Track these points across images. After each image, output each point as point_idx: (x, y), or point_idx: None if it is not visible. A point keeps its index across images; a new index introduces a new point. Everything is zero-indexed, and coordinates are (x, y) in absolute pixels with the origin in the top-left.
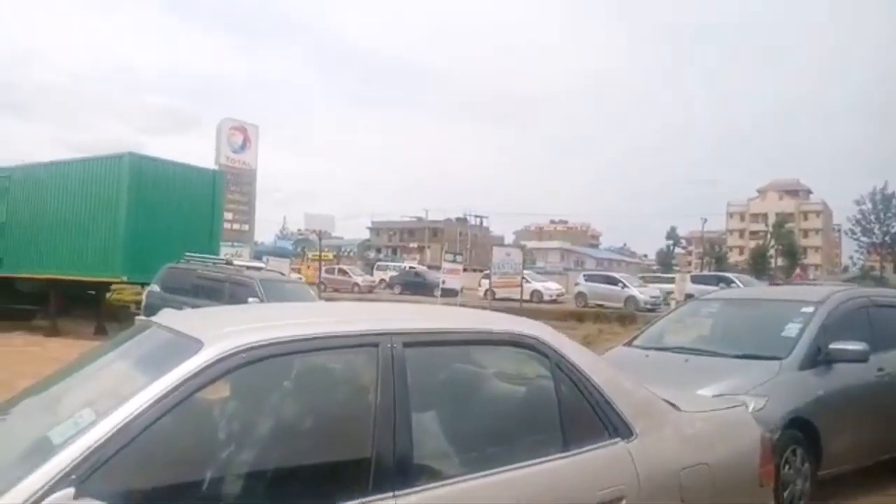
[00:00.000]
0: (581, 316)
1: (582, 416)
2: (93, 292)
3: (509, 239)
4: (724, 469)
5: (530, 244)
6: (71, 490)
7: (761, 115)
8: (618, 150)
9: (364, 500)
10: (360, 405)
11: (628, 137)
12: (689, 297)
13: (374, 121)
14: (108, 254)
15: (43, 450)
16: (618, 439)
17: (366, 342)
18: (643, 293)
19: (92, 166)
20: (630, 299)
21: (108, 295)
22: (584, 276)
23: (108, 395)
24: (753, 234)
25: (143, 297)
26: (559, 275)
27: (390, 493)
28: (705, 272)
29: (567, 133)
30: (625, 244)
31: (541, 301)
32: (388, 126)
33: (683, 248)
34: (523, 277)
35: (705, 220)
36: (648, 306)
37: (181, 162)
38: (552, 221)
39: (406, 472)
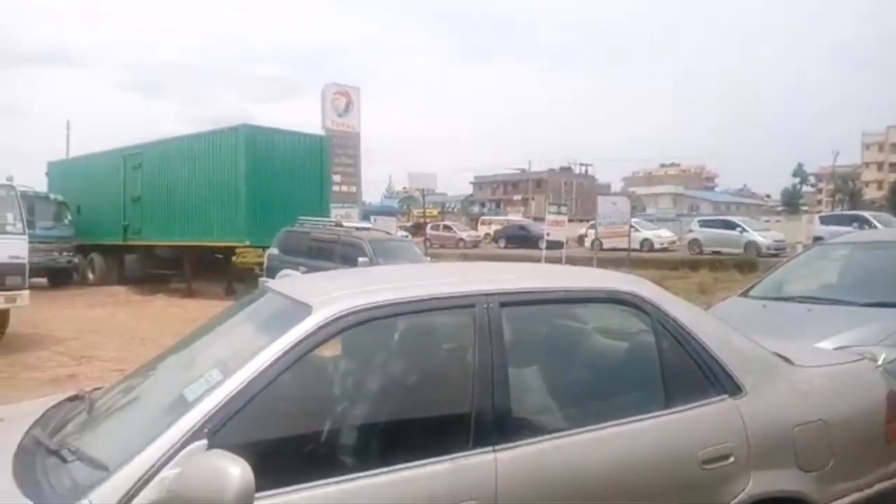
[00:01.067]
0: (695, 264)
1: (685, 372)
2: (221, 256)
3: (617, 186)
4: (844, 426)
5: (639, 190)
6: (204, 442)
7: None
8: (732, 82)
9: (465, 453)
10: (460, 363)
11: (743, 65)
12: (817, 240)
13: (473, 75)
14: (232, 220)
15: (180, 405)
16: (725, 396)
17: (463, 303)
18: (765, 237)
19: (212, 139)
20: (750, 244)
21: (233, 258)
22: (699, 221)
23: (232, 356)
24: (894, 166)
25: (265, 259)
26: (671, 221)
27: (490, 448)
28: (837, 211)
29: (675, 68)
30: (745, 185)
31: (651, 250)
32: (487, 80)
33: (812, 185)
34: (631, 226)
35: (837, 153)
36: (772, 251)
37: (291, 130)
38: (662, 165)
39: (505, 428)
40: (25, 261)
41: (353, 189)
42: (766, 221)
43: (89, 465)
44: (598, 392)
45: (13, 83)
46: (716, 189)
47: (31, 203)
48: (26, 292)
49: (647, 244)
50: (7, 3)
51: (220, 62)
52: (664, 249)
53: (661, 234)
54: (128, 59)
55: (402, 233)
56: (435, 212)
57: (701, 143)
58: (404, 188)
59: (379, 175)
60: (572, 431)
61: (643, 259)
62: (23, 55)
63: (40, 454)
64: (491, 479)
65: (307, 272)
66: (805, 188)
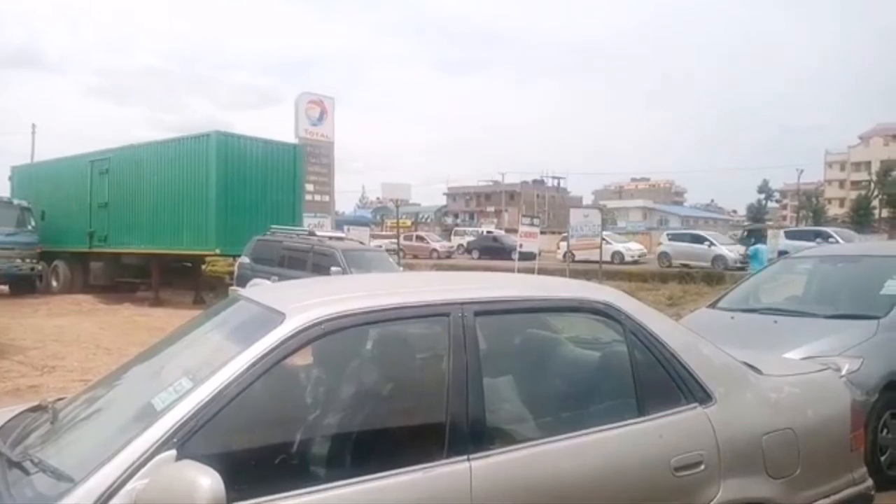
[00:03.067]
0: (665, 276)
1: (657, 381)
2: (190, 265)
3: (588, 199)
4: (811, 434)
5: (610, 204)
6: (173, 452)
7: (861, 52)
8: (701, 101)
9: (439, 462)
10: (434, 372)
11: (712, 86)
12: (782, 254)
13: (448, 88)
14: (202, 228)
15: (148, 415)
16: (695, 404)
17: (437, 312)
18: (732, 251)
19: (183, 145)
20: (718, 258)
21: (203, 267)
22: (668, 234)
23: (202, 364)
24: (855, 184)
25: (235, 268)
26: (641, 234)
27: (464, 457)
28: (801, 227)
29: (645, 86)
30: (712, 200)
31: (622, 262)
32: (462, 93)
33: (777, 201)
34: (603, 239)
35: (801, 171)
36: (738, 265)
37: (263, 138)
38: (633, 179)
39: (479, 436)
40: None
41: (327, 198)
42: (732, 236)
43: (53, 476)
44: (572, 401)
45: None
46: (684, 204)
47: None
48: None
49: (618, 256)
50: None
51: (197, 69)
52: (634, 262)
53: (632, 247)
54: (101, 64)
55: (376, 243)
56: (408, 222)
57: (670, 158)
58: (378, 199)
59: (353, 185)
60: (547, 440)
61: (614, 271)
62: None
63: (1, 466)
64: (465, 487)
65: (279, 281)
66: (770, 204)
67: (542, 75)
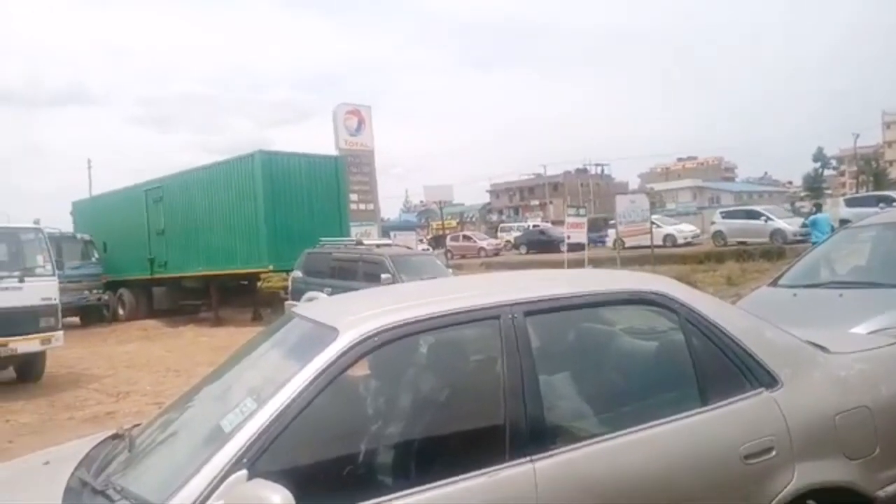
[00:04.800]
0: (721, 256)
1: (719, 368)
2: (246, 282)
3: (634, 184)
4: (888, 410)
5: (658, 186)
6: (244, 472)
7: None
8: (746, 72)
9: (502, 466)
10: (489, 375)
11: (754, 53)
12: (843, 223)
13: (483, 85)
14: (254, 246)
15: (217, 437)
16: (761, 389)
17: (487, 315)
18: (791, 224)
19: (229, 167)
20: (776, 233)
21: (259, 284)
22: (721, 213)
23: (264, 384)
24: None
25: (289, 282)
26: (693, 215)
27: (527, 458)
28: (862, 193)
29: (685, 61)
30: (765, 173)
31: (675, 245)
32: (497, 88)
33: (834, 168)
34: (652, 223)
35: (857, 135)
36: (798, 238)
37: (305, 152)
38: (679, 159)
39: (541, 437)
40: (57, 302)
41: (371, 206)
42: (787, 208)
43: (135, 502)
44: (632, 394)
45: (35, 126)
46: (736, 180)
47: (58, 244)
48: (60, 333)
49: (670, 239)
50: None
51: (233, 91)
52: (688, 244)
53: (684, 229)
54: (141, 94)
55: (422, 246)
56: (454, 223)
57: (717, 134)
58: (421, 201)
59: (395, 190)
60: (609, 436)
61: (667, 255)
62: (42, 98)
63: (87, 495)
64: (531, 489)
65: (332, 293)
66: (827, 172)
67: (575, 63)
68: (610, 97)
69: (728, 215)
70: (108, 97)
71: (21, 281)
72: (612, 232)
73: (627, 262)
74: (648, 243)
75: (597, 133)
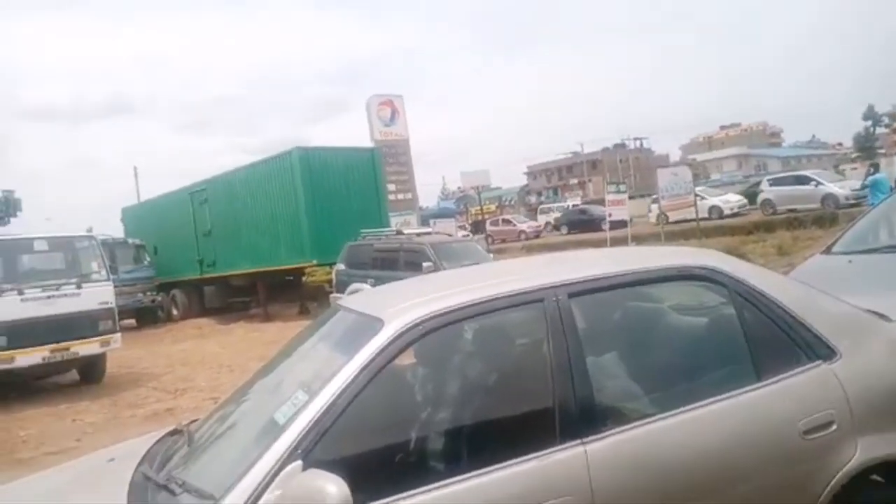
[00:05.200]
0: (770, 225)
1: (773, 342)
2: (291, 278)
3: (675, 156)
4: None
5: (700, 157)
6: (299, 463)
7: None
8: (788, 29)
9: (553, 449)
10: (536, 359)
11: (797, 12)
12: None
13: (515, 66)
14: (297, 242)
15: (272, 430)
16: (819, 362)
17: (531, 299)
18: (843, 188)
19: (269, 166)
20: (827, 198)
21: (303, 278)
22: (769, 180)
23: (314, 376)
24: None
25: (333, 275)
26: (739, 184)
27: (578, 441)
28: None
29: (719, 25)
30: (813, 136)
31: (721, 217)
32: (530, 68)
33: (886, 126)
34: (696, 195)
35: None
36: (851, 202)
37: (341, 146)
38: (722, 127)
39: (591, 419)
40: (114, 305)
41: (409, 195)
42: (840, 171)
43: (197, 495)
44: (684, 372)
45: (82, 139)
46: (783, 145)
47: (111, 249)
48: (118, 335)
49: (715, 211)
50: (67, 65)
51: (267, 91)
52: (735, 214)
53: (730, 199)
54: (180, 100)
55: (462, 233)
56: (492, 207)
57: (760, 99)
58: (459, 188)
59: (432, 178)
60: (662, 415)
61: (714, 227)
62: (86, 112)
63: (151, 489)
64: (583, 472)
65: (375, 283)
66: (879, 130)
67: (607, 35)
68: (645, 68)
69: (776, 182)
70: (148, 107)
71: (79, 287)
72: (654, 207)
73: (672, 237)
74: (693, 216)
75: (634, 106)
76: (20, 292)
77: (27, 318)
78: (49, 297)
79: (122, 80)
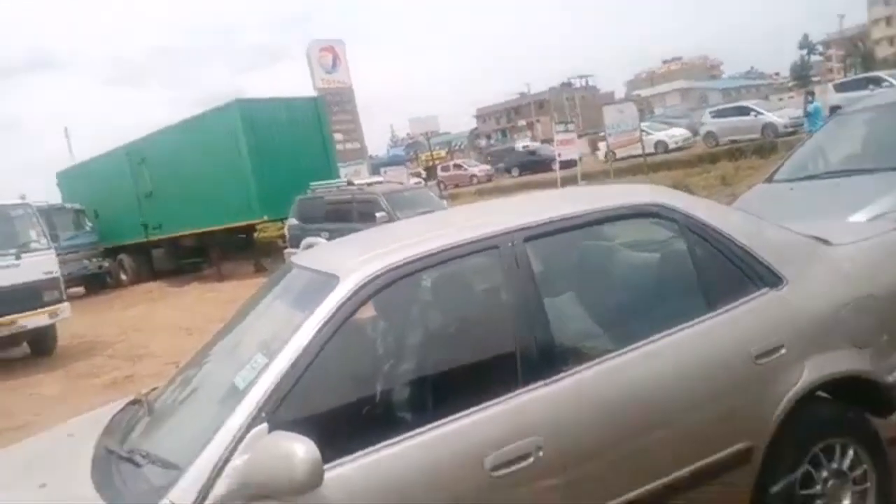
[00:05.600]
0: (714, 157)
1: (722, 273)
2: (243, 235)
3: (620, 93)
4: (893, 297)
5: (644, 93)
6: (265, 426)
7: None
8: None
9: (517, 392)
10: (494, 305)
11: None
12: (834, 109)
13: (455, 9)
14: (245, 199)
15: (233, 394)
16: (766, 289)
17: (486, 246)
18: (781, 116)
19: (208, 120)
20: (767, 127)
21: (255, 235)
22: (710, 112)
23: (272, 338)
24: None
25: (286, 231)
26: (683, 118)
27: (541, 382)
28: (851, 77)
29: None
30: (752, 67)
31: (667, 151)
32: (471, 10)
33: (821, 54)
34: (642, 131)
35: (842, 17)
36: (790, 129)
37: (284, 97)
38: (664, 62)
39: (551, 359)
40: (58, 274)
41: (357, 145)
42: (780, 100)
43: (161, 466)
44: (639, 308)
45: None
46: (723, 77)
47: (49, 216)
48: (66, 304)
49: (661, 146)
50: None
51: (204, 39)
52: (680, 149)
53: (675, 134)
54: (111, 52)
55: (415, 180)
56: (442, 153)
57: (699, 32)
58: (408, 134)
59: (381, 126)
60: (619, 352)
61: (660, 162)
62: (9, 67)
63: (114, 462)
64: (550, 412)
65: (330, 237)
66: (814, 59)
67: None
68: (589, 6)
69: (717, 114)
70: (76, 60)
71: (18, 258)
72: (602, 144)
73: (621, 174)
74: (639, 153)
75: (579, 45)
76: None
77: None
78: None
79: (42, 29)
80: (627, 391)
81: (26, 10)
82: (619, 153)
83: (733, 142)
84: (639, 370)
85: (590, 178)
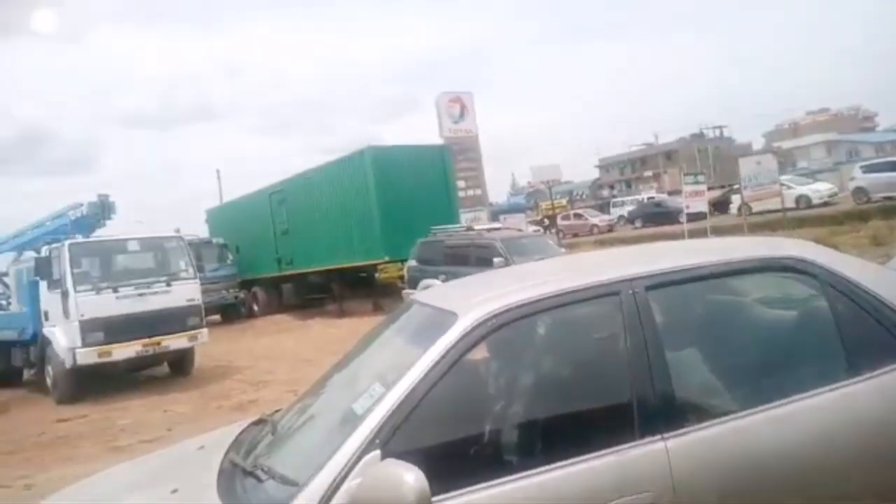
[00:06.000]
0: (865, 215)
1: (869, 335)
2: (364, 274)
3: (758, 144)
4: None
5: (785, 145)
6: (378, 452)
7: None
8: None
9: (632, 444)
10: (612, 353)
11: None
12: None
13: (582, 59)
14: (370, 239)
15: (351, 420)
16: None
17: (606, 292)
18: None
19: (342, 165)
20: None
21: (376, 275)
22: (861, 167)
23: (391, 369)
24: None
25: (405, 272)
26: (829, 172)
27: (658, 436)
28: None
29: (806, 3)
30: None
31: (809, 206)
32: (602, 59)
33: None
34: (782, 184)
35: None
36: None
37: (412, 144)
38: (809, 112)
39: (672, 414)
40: (200, 302)
41: (479, 192)
42: None
43: (281, 482)
44: (770, 367)
45: (169, 145)
46: (877, 129)
47: (197, 249)
48: (205, 330)
49: (803, 200)
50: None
51: (340, 92)
52: (825, 204)
53: (819, 188)
54: (260, 105)
55: (533, 228)
56: (563, 202)
57: (849, 83)
58: (529, 183)
59: (502, 174)
60: (747, 411)
61: (802, 217)
62: (173, 119)
63: (238, 476)
64: (664, 467)
65: (446, 279)
66: None
67: (680, 24)
68: (723, 53)
69: (869, 169)
70: (229, 111)
71: (168, 285)
72: (735, 198)
73: (756, 229)
74: (778, 207)
75: (712, 95)
76: (115, 290)
77: (122, 315)
78: (141, 295)
79: (205, 86)
80: (753, 455)
81: (193, 67)
82: (756, 207)
83: (887, 198)
84: (767, 434)
85: (721, 232)
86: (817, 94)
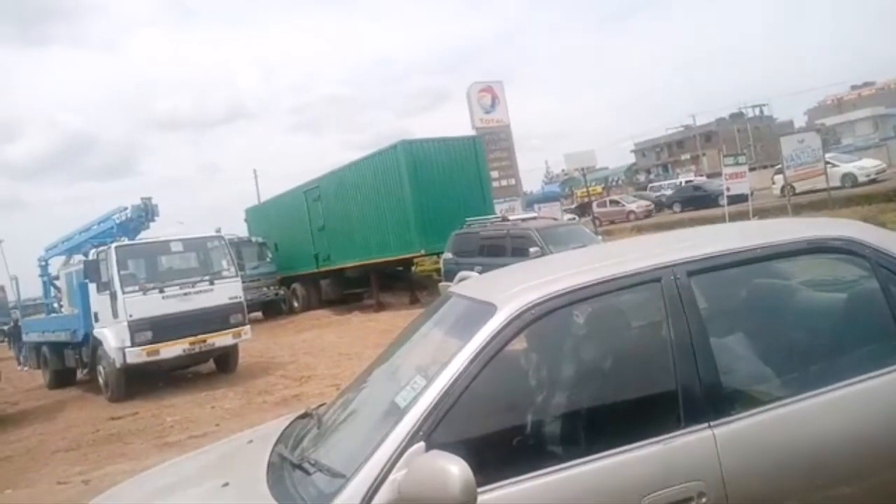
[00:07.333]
0: None
1: None
2: (401, 268)
3: (800, 122)
4: None
5: (829, 121)
6: (422, 444)
7: None
8: None
9: (678, 433)
10: (655, 341)
11: None
12: None
13: (613, 42)
14: (405, 233)
15: (394, 413)
16: None
17: (647, 279)
18: None
19: (375, 160)
20: None
21: (413, 268)
22: None
23: (431, 361)
24: None
25: (441, 264)
26: (875, 148)
27: (705, 424)
28: None
29: None
30: None
31: (856, 184)
32: (630, 43)
33: None
34: (827, 162)
35: None
36: None
37: (443, 137)
38: (854, 87)
39: (719, 401)
40: (243, 300)
41: (513, 181)
42: None
43: (328, 474)
44: (820, 352)
45: (209, 145)
46: None
47: (238, 248)
48: (248, 327)
49: (849, 179)
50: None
51: (372, 86)
52: (872, 181)
53: (865, 165)
54: (294, 103)
55: (568, 216)
56: (598, 188)
57: None
58: (563, 170)
59: (536, 163)
60: (797, 397)
61: (848, 196)
62: (209, 121)
63: (287, 468)
64: (713, 456)
65: (482, 271)
66: None
67: (714, 1)
68: (761, 29)
69: None
70: (264, 111)
71: (211, 284)
72: (778, 178)
73: (800, 210)
74: (823, 186)
75: (750, 72)
76: (161, 290)
77: (168, 314)
78: (186, 294)
79: (238, 87)
80: (803, 443)
81: (227, 68)
82: (799, 187)
83: None
84: (818, 420)
85: (764, 214)
86: (862, 67)
